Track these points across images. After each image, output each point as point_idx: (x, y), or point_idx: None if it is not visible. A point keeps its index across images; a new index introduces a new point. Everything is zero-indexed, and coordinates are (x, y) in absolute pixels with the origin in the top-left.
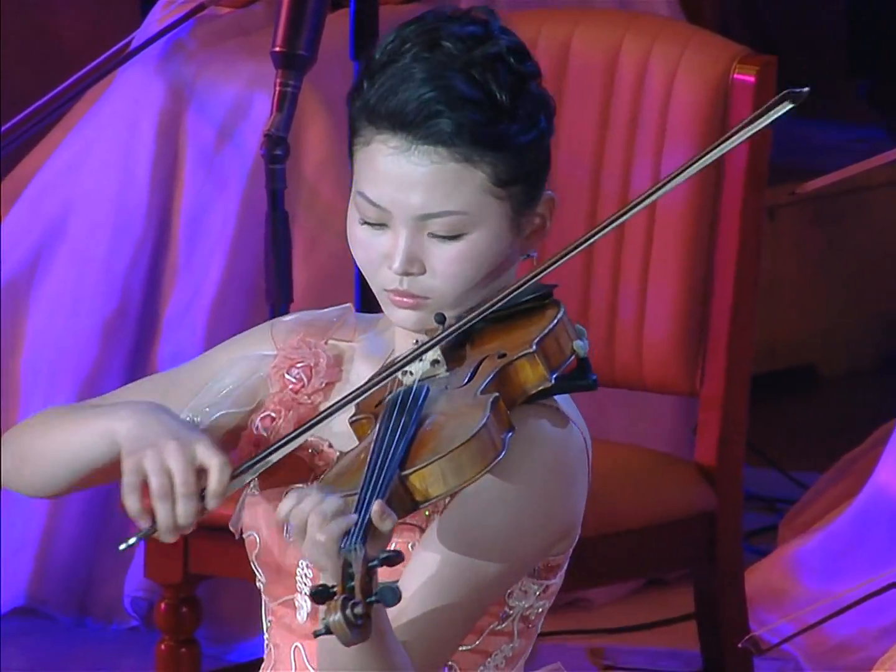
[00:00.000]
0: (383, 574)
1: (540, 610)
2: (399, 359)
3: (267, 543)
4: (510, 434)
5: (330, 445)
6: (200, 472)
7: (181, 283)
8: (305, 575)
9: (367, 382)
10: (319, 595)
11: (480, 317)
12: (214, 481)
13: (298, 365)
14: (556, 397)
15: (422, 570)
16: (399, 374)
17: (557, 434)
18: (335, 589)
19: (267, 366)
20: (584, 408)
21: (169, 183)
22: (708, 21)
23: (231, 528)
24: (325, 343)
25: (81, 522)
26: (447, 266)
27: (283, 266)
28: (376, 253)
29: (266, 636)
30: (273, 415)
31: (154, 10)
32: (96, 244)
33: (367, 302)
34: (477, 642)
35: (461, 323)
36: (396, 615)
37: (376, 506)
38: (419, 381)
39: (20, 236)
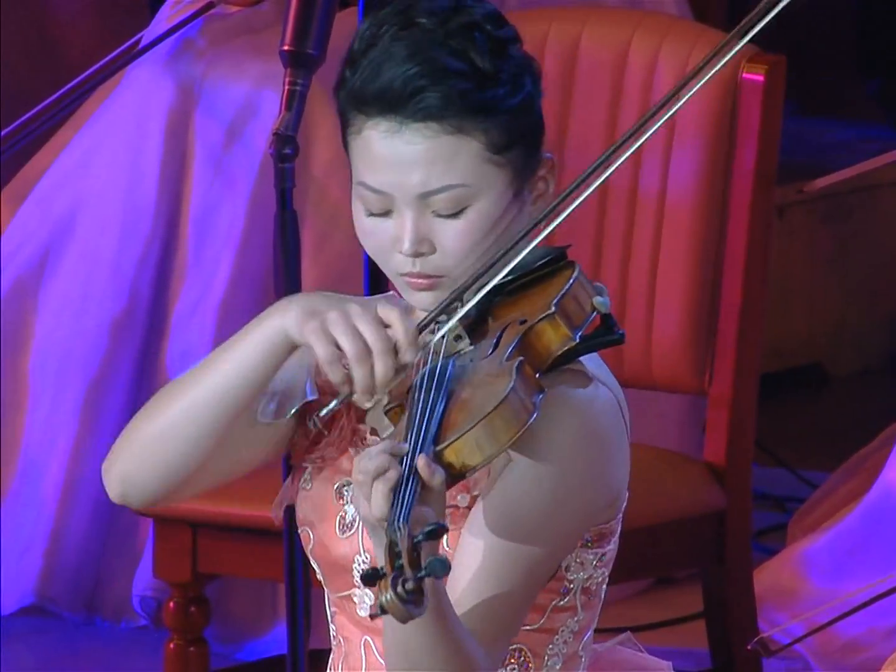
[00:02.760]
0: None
1: (600, 579)
2: (420, 326)
3: (321, 538)
4: (541, 396)
5: (372, 433)
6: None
7: (190, 282)
8: (363, 569)
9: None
10: (369, 578)
11: (483, 276)
12: (401, 332)
13: None
14: (582, 359)
15: (471, 560)
16: (424, 355)
17: (583, 397)
18: (384, 570)
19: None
20: None
21: (177, 182)
22: (716, 20)
23: (272, 514)
24: None
25: (90, 521)
26: (455, 242)
27: (291, 265)
28: (385, 239)
29: (332, 627)
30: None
31: (163, 9)
32: (105, 243)
33: None
34: (542, 621)
35: (463, 284)
36: (454, 606)
37: (421, 460)
38: (444, 357)
39: (28, 235)
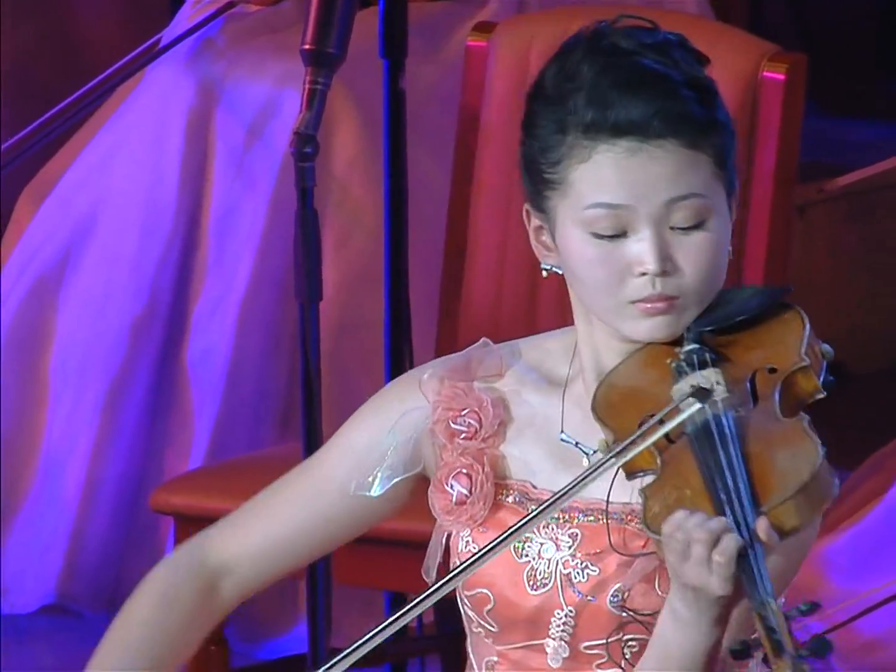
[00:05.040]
0: None
1: None
2: (685, 398)
3: (509, 598)
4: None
5: (534, 486)
6: None
7: (210, 282)
8: (565, 624)
9: (640, 430)
10: (741, 653)
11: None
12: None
13: (463, 412)
14: None
15: None
16: (675, 394)
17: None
18: (756, 643)
19: (425, 421)
20: None
21: (198, 181)
22: (737, 18)
23: (425, 577)
24: (473, 383)
25: (111, 520)
26: (694, 257)
27: (312, 264)
28: (619, 265)
29: None
30: (465, 471)
31: (183, 8)
32: (126, 242)
33: (395, 302)
34: None
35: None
36: None
37: (763, 524)
38: (702, 404)
39: (50, 234)
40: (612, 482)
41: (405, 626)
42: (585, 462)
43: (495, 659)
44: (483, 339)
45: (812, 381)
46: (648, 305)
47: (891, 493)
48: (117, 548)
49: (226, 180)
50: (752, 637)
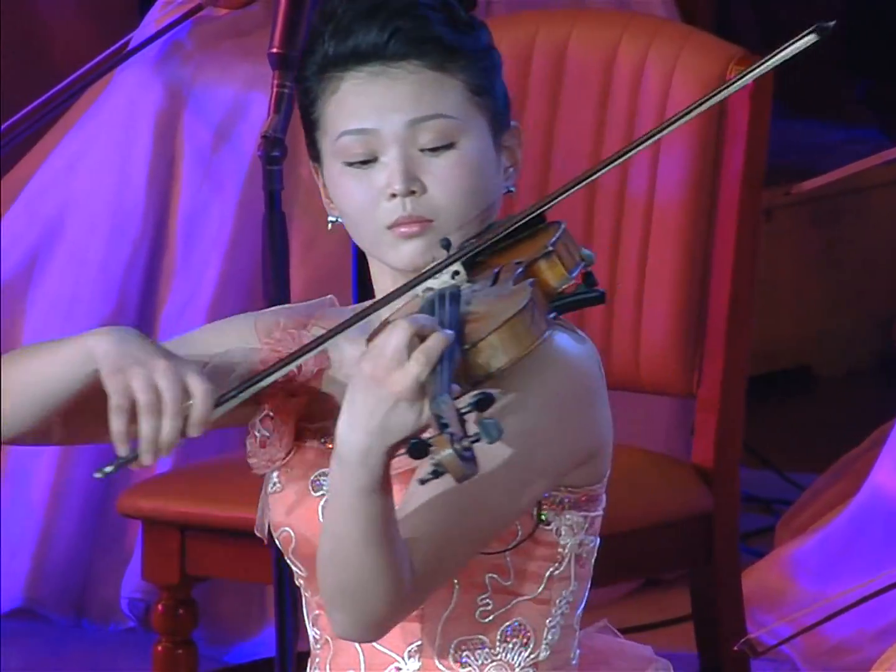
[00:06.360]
0: None
1: (591, 546)
2: (421, 274)
3: (305, 535)
4: (553, 315)
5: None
6: (185, 397)
7: (178, 285)
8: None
9: (384, 297)
10: (418, 449)
11: (504, 233)
12: (198, 408)
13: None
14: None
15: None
16: (419, 291)
17: (575, 346)
18: (433, 440)
19: (254, 359)
20: None
21: (166, 184)
22: (703, 22)
23: (258, 534)
24: (308, 331)
25: (79, 523)
26: (445, 177)
27: (280, 267)
28: (370, 190)
29: (315, 631)
30: (271, 413)
31: (152, 11)
32: (93, 245)
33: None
34: (539, 590)
35: (484, 242)
36: (399, 514)
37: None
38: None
39: (17, 237)
40: None
41: None
42: None
43: (317, 612)
44: (330, 297)
45: (558, 269)
46: (403, 229)
47: (858, 497)
48: (85, 552)
49: (193, 183)
50: (427, 437)
